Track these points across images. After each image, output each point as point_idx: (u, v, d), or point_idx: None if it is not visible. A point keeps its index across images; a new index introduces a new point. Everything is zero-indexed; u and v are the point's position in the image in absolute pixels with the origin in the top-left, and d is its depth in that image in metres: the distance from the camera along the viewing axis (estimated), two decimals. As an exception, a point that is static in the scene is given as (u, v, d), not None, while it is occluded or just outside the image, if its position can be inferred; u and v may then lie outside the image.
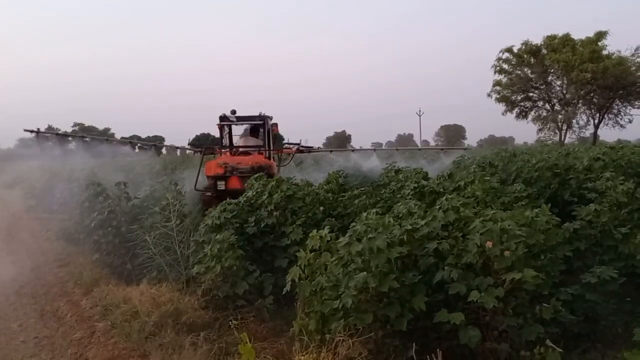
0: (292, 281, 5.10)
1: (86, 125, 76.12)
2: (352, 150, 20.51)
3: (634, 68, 36.97)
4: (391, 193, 8.24)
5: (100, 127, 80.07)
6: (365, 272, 4.20)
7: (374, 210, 5.50)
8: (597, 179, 7.95)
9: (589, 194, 7.84)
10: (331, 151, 19.49)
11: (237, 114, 12.59)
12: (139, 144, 20.83)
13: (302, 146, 15.28)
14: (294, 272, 5.01)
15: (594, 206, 6.52)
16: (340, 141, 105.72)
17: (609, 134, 42.17)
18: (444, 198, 4.82)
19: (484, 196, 6.21)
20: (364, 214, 5.41)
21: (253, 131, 13.40)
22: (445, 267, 4.39)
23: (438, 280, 4.40)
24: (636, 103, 38.22)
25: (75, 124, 73.87)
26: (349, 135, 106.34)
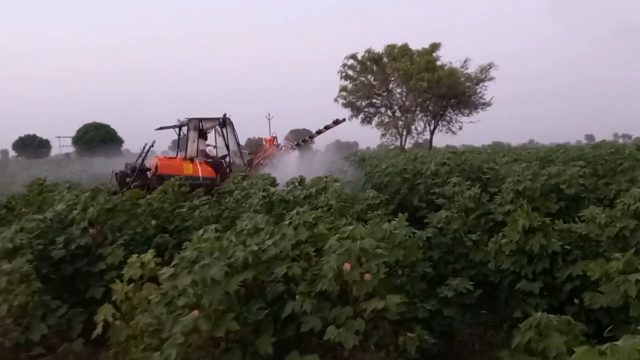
0: (105, 321, 3.98)
1: None
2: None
3: (463, 79, 40.63)
4: (235, 202, 7.34)
5: None
6: (197, 311, 3.26)
7: (213, 226, 4.57)
8: (444, 184, 7.91)
9: (437, 199, 7.74)
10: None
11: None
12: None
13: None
14: (105, 310, 3.89)
15: (444, 213, 6.30)
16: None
17: (442, 139, 45.95)
18: (295, 212, 4.06)
19: (338, 206, 5.61)
20: (200, 232, 4.48)
21: (201, 134, 14.12)
22: (297, 296, 3.62)
23: (289, 314, 3.61)
24: (465, 111, 42.08)
25: None
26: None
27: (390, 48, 41.40)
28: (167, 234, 6.75)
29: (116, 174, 13.17)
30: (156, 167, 12.39)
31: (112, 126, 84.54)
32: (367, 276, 3.46)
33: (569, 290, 4.82)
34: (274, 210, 6.43)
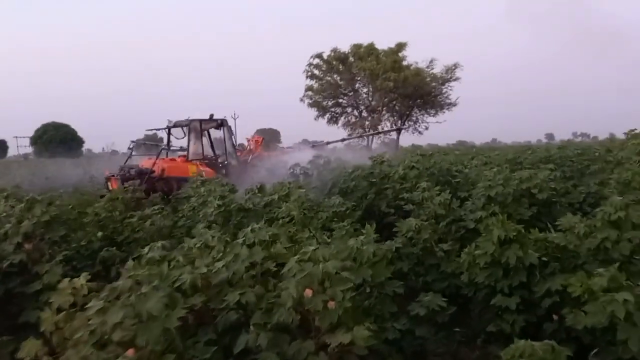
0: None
1: None
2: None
3: (429, 79, 40.63)
4: (192, 210, 6.81)
5: None
6: (131, 350, 2.78)
7: (160, 244, 4.06)
8: (413, 189, 7.56)
9: (405, 205, 7.39)
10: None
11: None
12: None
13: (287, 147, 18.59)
14: (29, 345, 3.36)
15: (414, 221, 5.93)
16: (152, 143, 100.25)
17: (409, 139, 45.99)
18: (249, 228, 3.59)
19: (300, 216, 5.17)
20: (146, 250, 3.98)
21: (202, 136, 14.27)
22: (252, 328, 3.16)
23: (243, 348, 3.16)
24: (431, 111, 42.12)
25: None
26: (161, 138, 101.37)
27: (356, 47, 41.07)
28: (115, 247, 6.20)
29: (112, 176, 12.59)
30: (162, 170, 12.21)
31: (72, 126, 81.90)
32: (331, 304, 3.04)
33: (547, 305, 4.50)
34: (232, 219, 5.95)
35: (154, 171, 12.25)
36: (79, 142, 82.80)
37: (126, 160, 13.73)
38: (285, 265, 3.22)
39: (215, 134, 14.86)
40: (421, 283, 5.61)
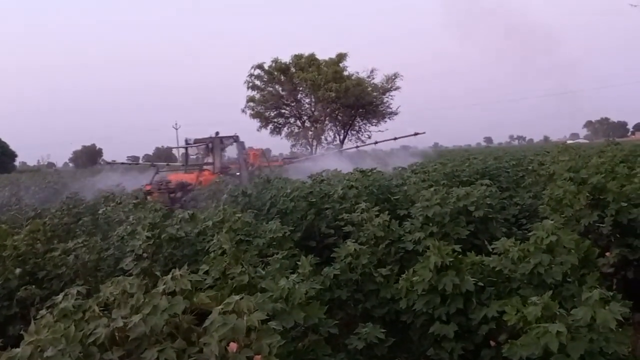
0: None
1: None
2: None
3: (370, 88, 41.02)
4: (120, 240, 6.40)
5: None
6: None
7: (75, 290, 3.73)
8: (352, 209, 7.46)
9: (345, 226, 7.27)
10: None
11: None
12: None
13: (286, 158, 21.19)
14: None
15: (352, 246, 5.79)
16: (89, 155, 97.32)
17: (353, 145, 46.13)
18: (170, 276, 3.33)
19: (233, 250, 4.93)
20: (60, 297, 3.64)
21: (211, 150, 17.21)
22: (173, 388, 2.91)
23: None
24: (373, 120, 42.48)
25: None
26: (100, 149, 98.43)
27: (297, 58, 40.94)
28: (36, 285, 5.76)
29: (152, 191, 13.94)
30: (200, 182, 13.92)
31: (4, 139, 77.72)
32: (257, 358, 2.84)
33: (484, 332, 4.48)
34: (162, 251, 5.63)
35: (191, 184, 13.99)
36: (11, 156, 78.84)
37: (154, 176, 15.75)
38: (208, 317, 2.99)
39: (230, 148, 17.86)
40: (361, 310, 5.48)
